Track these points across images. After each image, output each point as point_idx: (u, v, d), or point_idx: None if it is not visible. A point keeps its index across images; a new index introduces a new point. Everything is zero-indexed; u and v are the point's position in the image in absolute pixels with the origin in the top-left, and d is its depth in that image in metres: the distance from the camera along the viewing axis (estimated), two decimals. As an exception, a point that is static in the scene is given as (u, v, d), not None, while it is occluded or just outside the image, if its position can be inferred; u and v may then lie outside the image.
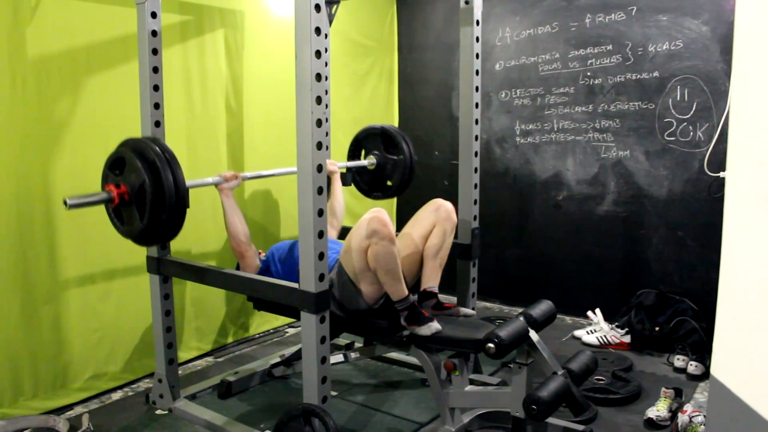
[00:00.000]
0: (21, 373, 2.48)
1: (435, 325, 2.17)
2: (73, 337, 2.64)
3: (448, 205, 2.44)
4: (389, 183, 3.23)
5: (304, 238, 1.93)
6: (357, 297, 2.25)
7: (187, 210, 2.24)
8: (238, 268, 2.65)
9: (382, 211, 2.16)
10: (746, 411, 1.35)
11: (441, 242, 2.39)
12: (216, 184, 2.48)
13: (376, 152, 3.22)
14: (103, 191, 2.08)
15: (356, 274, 2.22)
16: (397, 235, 2.37)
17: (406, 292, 2.20)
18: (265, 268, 2.59)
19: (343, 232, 3.09)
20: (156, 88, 2.42)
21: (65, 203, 1.96)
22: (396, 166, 3.17)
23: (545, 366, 2.01)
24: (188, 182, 2.19)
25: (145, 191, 2.00)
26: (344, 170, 3.25)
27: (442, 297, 2.42)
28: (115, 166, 2.10)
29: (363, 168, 3.25)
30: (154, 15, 2.38)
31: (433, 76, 4.34)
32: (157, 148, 2.04)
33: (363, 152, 3.29)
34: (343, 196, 3.06)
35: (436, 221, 2.40)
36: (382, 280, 2.18)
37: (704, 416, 2.27)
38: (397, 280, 2.17)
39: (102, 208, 2.66)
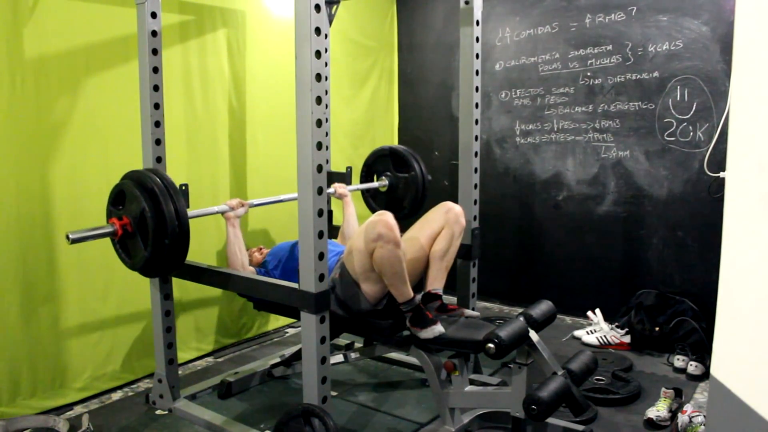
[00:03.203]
0: (20, 372, 2.48)
1: (438, 328, 2.17)
2: (73, 337, 2.64)
3: (457, 209, 2.43)
4: (404, 204, 3.22)
5: (304, 238, 1.93)
6: (360, 297, 2.25)
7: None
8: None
9: (388, 215, 2.15)
10: (746, 411, 1.36)
11: (448, 245, 2.39)
12: (222, 213, 2.48)
13: (387, 173, 3.23)
14: (107, 224, 2.11)
15: (359, 275, 2.22)
16: (402, 235, 2.36)
17: (412, 294, 2.20)
18: (263, 269, 2.59)
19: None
20: (156, 88, 2.42)
21: (68, 238, 1.97)
22: (408, 184, 3.16)
23: (545, 366, 2.01)
24: (193, 211, 2.21)
25: (146, 218, 2.03)
26: (343, 169, 3.25)
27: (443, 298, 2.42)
28: (117, 200, 2.13)
29: (376, 191, 3.24)
30: (154, 15, 2.38)
31: (433, 76, 4.34)
32: (156, 177, 2.08)
33: (375, 177, 3.29)
34: (356, 221, 3.03)
35: (445, 223, 2.40)
36: (388, 282, 2.18)
37: (704, 416, 2.27)
38: (402, 283, 2.17)
39: (101, 200, 2.68)
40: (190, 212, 2.17)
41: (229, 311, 3.36)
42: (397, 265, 2.13)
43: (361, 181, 3.32)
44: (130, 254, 2.15)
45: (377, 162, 3.27)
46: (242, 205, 2.52)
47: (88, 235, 2.03)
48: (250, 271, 2.56)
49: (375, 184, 3.23)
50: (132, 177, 2.13)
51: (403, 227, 2.76)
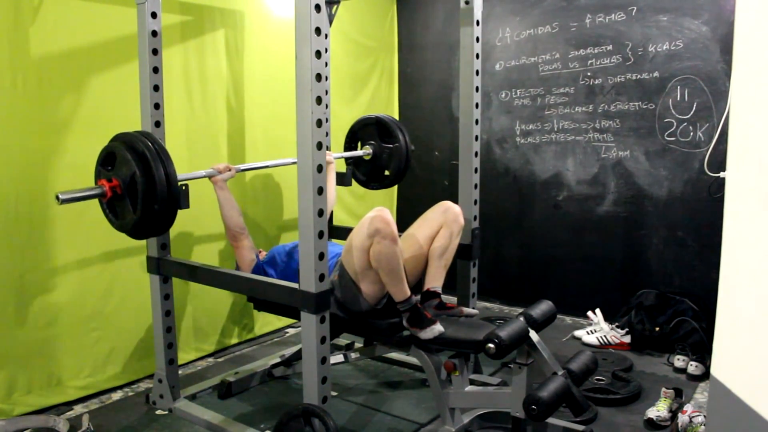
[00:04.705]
0: (16, 371, 2.47)
1: (437, 328, 2.17)
2: (73, 337, 2.64)
3: (456, 208, 2.44)
4: (386, 173, 3.24)
5: (304, 238, 1.93)
6: (359, 297, 2.25)
7: (187, 210, 2.25)
8: (237, 268, 2.65)
9: (385, 210, 2.16)
10: (746, 411, 1.36)
11: (447, 244, 2.39)
12: (209, 176, 2.51)
13: (372, 142, 3.23)
14: (96, 186, 2.10)
15: (358, 274, 2.21)
16: (401, 235, 2.36)
17: (409, 293, 2.20)
18: (261, 268, 2.59)
19: (345, 233, 3.10)
20: (156, 88, 2.42)
21: (57, 198, 1.97)
22: (392, 154, 3.17)
23: (545, 366, 2.01)
24: (182, 174, 2.21)
25: (136, 182, 2.01)
26: (344, 168, 3.25)
27: (442, 297, 2.42)
28: (107, 161, 2.11)
29: (360, 159, 3.25)
30: (154, 15, 2.38)
31: (433, 76, 4.34)
32: (147, 141, 2.06)
33: (359, 143, 3.29)
34: (335, 188, 3.07)
35: (444, 222, 2.40)
36: (384, 280, 2.17)
37: (704, 416, 2.27)
38: (399, 281, 2.17)
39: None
40: (179, 176, 2.16)
41: (229, 311, 3.36)
42: (394, 261, 2.13)
43: (345, 148, 3.31)
44: (118, 216, 2.13)
45: (362, 130, 3.26)
46: (229, 169, 2.54)
47: (77, 196, 2.02)
48: (249, 245, 2.59)
49: (359, 152, 3.22)
50: (123, 139, 2.09)
51: (399, 221, 2.75)
